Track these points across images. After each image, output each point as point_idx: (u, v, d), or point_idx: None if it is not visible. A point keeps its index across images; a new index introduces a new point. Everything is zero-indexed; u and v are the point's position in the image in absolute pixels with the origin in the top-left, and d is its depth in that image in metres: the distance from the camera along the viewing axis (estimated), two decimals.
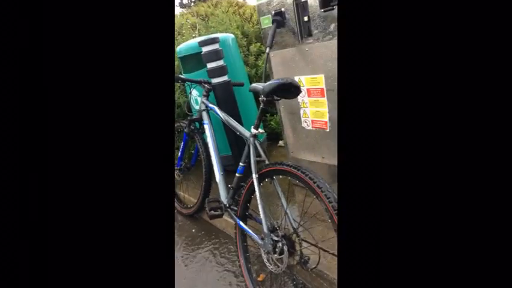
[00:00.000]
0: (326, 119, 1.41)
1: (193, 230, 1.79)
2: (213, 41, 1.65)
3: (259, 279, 1.28)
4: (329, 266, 1.11)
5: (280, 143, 2.35)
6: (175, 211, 1.97)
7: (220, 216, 1.33)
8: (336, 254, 0.95)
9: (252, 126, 1.17)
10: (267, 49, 1.44)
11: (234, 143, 1.80)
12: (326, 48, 1.27)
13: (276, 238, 1.02)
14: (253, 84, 1.16)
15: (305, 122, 1.54)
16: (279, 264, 1.01)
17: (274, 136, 2.36)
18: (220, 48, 1.68)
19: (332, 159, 1.48)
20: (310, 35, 1.34)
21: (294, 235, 1.01)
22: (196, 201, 1.79)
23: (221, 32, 2.53)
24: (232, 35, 2.06)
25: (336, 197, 0.89)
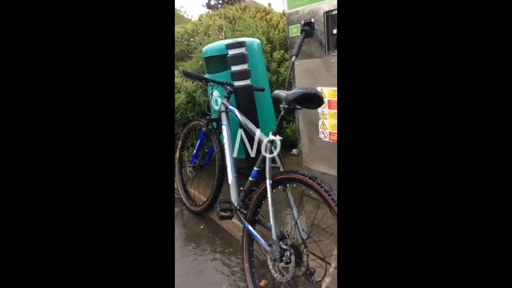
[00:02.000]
0: None
1: (201, 227, 1.81)
2: (240, 44, 1.68)
3: (261, 284, 1.27)
4: (335, 281, 1.09)
5: (294, 151, 2.34)
6: (184, 207, 1.99)
7: (230, 217, 1.34)
8: None
9: (271, 132, 1.18)
10: (293, 57, 1.45)
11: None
12: None
13: (284, 246, 1.01)
14: (277, 91, 1.17)
15: (323, 133, 1.53)
16: (284, 273, 1.01)
17: (288, 144, 2.35)
18: (246, 53, 1.70)
19: None
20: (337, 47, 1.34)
21: (303, 246, 1.01)
22: (205, 199, 1.81)
23: (247, 36, 2.57)
24: (258, 41, 2.09)
25: None
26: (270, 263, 1.07)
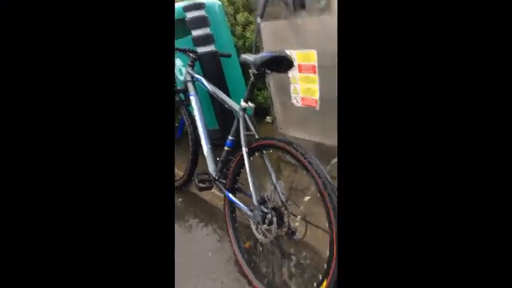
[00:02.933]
0: (316, 97, 1.41)
1: (180, 199, 1.81)
2: (199, 6, 1.55)
3: (245, 246, 1.34)
4: (314, 237, 1.18)
5: (268, 118, 2.35)
6: None
7: (209, 188, 1.34)
8: (321, 226, 1.01)
9: (242, 100, 1.16)
10: (258, 19, 1.38)
11: (221, 117, 1.78)
12: (319, 24, 1.24)
13: (265, 210, 1.05)
14: (244, 55, 1.12)
15: (295, 98, 1.53)
16: (267, 234, 1.06)
17: (261, 111, 2.34)
18: (206, 15, 1.58)
19: (319, 138, 1.51)
20: (303, 7, 1.29)
21: (283, 208, 1.06)
22: (182, 174, 1.79)
23: None
24: (218, 2, 1.94)
25: (325, 172, 0.92)
26: (253, 226, 1.12)
